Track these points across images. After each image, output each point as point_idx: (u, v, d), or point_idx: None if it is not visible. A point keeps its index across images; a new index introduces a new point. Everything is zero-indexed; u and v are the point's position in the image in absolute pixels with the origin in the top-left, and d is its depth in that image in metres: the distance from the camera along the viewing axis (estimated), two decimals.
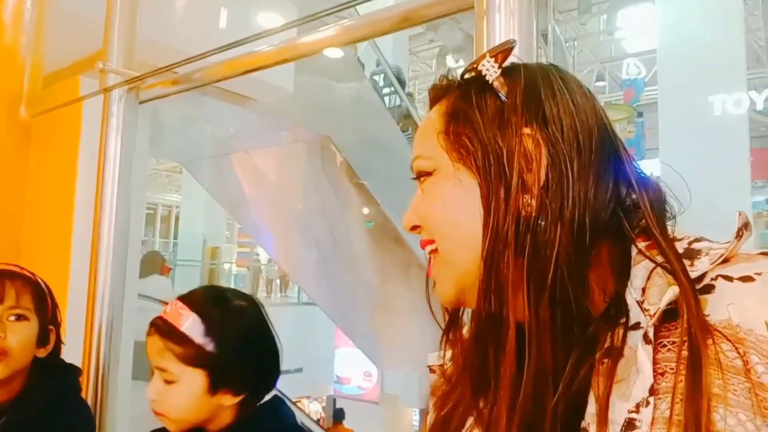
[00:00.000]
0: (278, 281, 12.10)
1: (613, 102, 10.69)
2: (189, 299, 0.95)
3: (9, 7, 1.55)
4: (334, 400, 9.18)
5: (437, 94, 0.61)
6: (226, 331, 0.94)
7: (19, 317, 1.13)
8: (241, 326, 0.97)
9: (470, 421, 0.59)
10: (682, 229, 0.52)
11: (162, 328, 0.93)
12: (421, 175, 0.57)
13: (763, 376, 0.41)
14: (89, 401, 1.34)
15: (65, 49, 1.89)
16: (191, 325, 0.93)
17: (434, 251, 0.56)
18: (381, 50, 5.95)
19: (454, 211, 0.55)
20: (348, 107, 5.11)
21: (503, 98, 0.54)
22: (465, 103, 0.56)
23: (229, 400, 0.93)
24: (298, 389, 8.79)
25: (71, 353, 1.34)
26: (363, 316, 7.00)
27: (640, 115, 9.74)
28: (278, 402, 1.01)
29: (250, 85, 3.47)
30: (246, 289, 11.86)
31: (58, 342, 1.20)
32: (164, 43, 2.01)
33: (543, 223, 0.50)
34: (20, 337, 1.12)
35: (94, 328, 1.33)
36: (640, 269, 0.49)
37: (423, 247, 0.58)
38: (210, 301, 0.97)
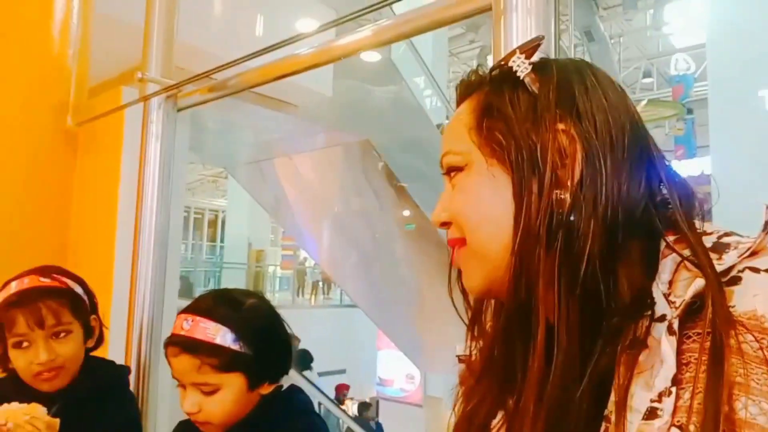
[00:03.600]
0: (321, 284, 12.23)
1: (661, 99, 10.35)
2: (203, 310, 0.98)
3: (57, 20, 1.63)
4: (377, 402, 9.20)
5: (466, 90, 0.61)
6: (251, 330, 0.98)
7: (64, 333, 1.14)
8: (262, 322, 1.02)
9: (498, 415, 0.60)
10: (723, 224, 0.52)
11: (189, 345, 0.95)
12: (452, 170, 0.58)
13: None
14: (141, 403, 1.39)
15: (109, 58, 1.97)
16: (218, 334, 0.96)
17: (461, 243, 0.57)
18: (420, 53, 5.95)
19: (487, 206, 0.55)
20: (387, 110, 5.13)
21: (536, 93, 0.54)
22: (497, 98, 0.56)
23: (267, 389, 0.99)
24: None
25: (116, 350, 1.40)
26: (405, 318, 7.00)
27: (690, 111, 9.41)
28: (296, 389, 1.07)
29: (290, 90, 3.54)
30: (289, 292, 12.04)
31: (101, 327, 1.22)
32: (202, 49, 2.07)
33: (576, 218, 0.50)
34: (69, 349, 1.14)
35: (134, 327, 1.38)
36: (667, 263, 0.50)
37: (451, 245, 0.58)
38: (225, 306, 1.00)
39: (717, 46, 6.91)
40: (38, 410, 1.04)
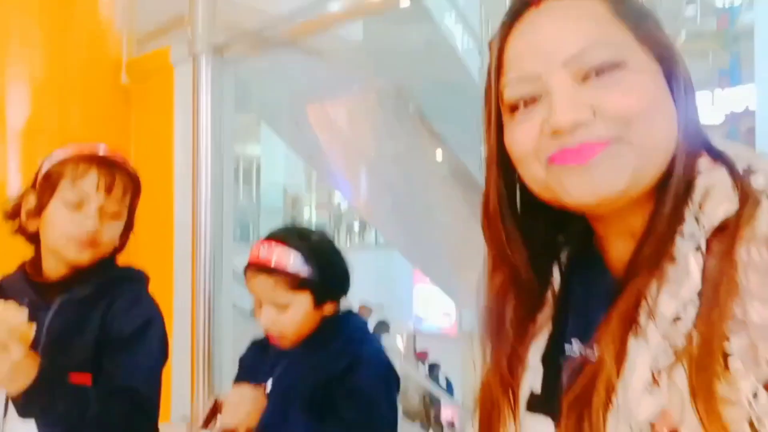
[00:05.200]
0: (356, 226, 12.43)
1: (705, 30, 9.87)
2: (278, 238, 1.17)
3: None
4: (414, 337, 9.50)
5: None
6: (317, 256, 1.17)
7: (116, 215, 1.11)
8: (325, 251, 1.20)
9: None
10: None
11: (266, 268, 1.14)
12: (602, 66, 0.55)
13: None
14: (200, 329, 1.55)
15: (153, 12, 2.05)
16: (292, 258, 1.14)
17: (605, 143, 0.54)
18: None
19: (657, 101, 0.56)
20: (418, 53, 5.08)
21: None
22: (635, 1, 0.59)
23: (330, 309, 1.19)
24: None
25: (181, 292, 1.55)
26: (440, 256, 7.13)
27: (735, 43, 8.98)
28: (352, 312, 1.27)
29: (320, 37, 3.56)
30: None
31: (126, 243, 1.18)
32: (243, 4, 2.13)
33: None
34: (112, 234, 1.11)
35: (197, 266, 1.53)
36: (700, 183, 0.55)
37: (583, 148, 0.54)
38: (295, 236, 1.19)
39: None
40: (10, 312, 0.95)
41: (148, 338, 1.12)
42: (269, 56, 3.51)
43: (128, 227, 1.17)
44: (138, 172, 1.16)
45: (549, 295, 0.67)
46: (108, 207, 1.08)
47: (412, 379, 6.28)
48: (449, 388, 7.45)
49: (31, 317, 0.96)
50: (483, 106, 0.64)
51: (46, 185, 1.08)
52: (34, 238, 1.13)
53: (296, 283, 1.13)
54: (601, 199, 0.55)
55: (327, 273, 1.18)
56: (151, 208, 1.71)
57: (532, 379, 0.64)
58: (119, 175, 1.10)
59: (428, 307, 10.49)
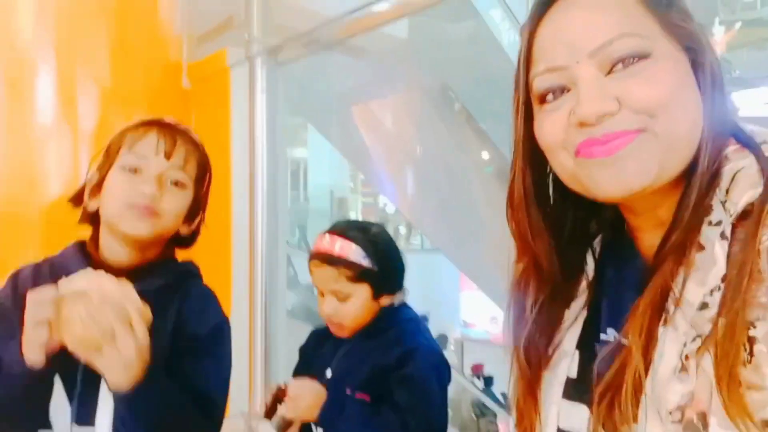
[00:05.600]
0: (402, 229, 12.44)
1: (766, 17, 9.44)
2: (340, 232, 1.21)
3: None
4: (462, 344, 9.43)
5: None
6: (376, 250, 1.24)
7: (181, 186, 1.02)
8: (384, 244, 1.27)
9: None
10: None
11: (330, 259, 1.21)
12: (629, 57, 0.56)
13: None
14: (258, 334, 1.58)
15: (207, 16, 2.10)
16: (353, 251, 1.20)
17: (633, 133, 0.55)
18: None
19: (684, 92, 0.57)
20: (463, 49, 5.04)
21: None
22: None
23: (387, 300, 1.25)
24: None
25: (239, 288, 1.58)
26: (486, 259, 7.05)
27: None
28: (407, 305, 1.34)
29: (365, 36, 3.58)
30: None
31: (201, 224, 1.10)
32: (295, 6, 2.16)
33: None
34: (175, 205, 1.02)
35: (255, 266, 1.56)
36: (726, 171, 0.56)
37: (616, 137, 0.55)
38: (356, 230, 1.25)
39: None
40: (129, 290, 0.81)
41: (223, 343, 1.07)
42: (318, 57, 3.56)
43: (196, 208, 1.07)
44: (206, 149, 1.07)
45: (584, 282, 0.69)
46: (169, 174, 1.00)
47: (465, 391, 6.24)
48: (505, 402, 7.36)
49: None
50: (512, 94, 0.66)
51: (106, 157, 1.02)
52: (94, 219, 1.03)
53: (357, 274, 1.20)
54: (630, 192, 0.57)
55: (385, 265, 1.24)
56: (210, 210, 1.75)
57: (569, 365, 0.66)
58: (181, 140, 1.02)
59: (475, 313, 10.38)
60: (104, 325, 0.76)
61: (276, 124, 1.58)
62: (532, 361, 0.67)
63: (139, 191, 0.97)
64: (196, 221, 1.10)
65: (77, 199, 1.06)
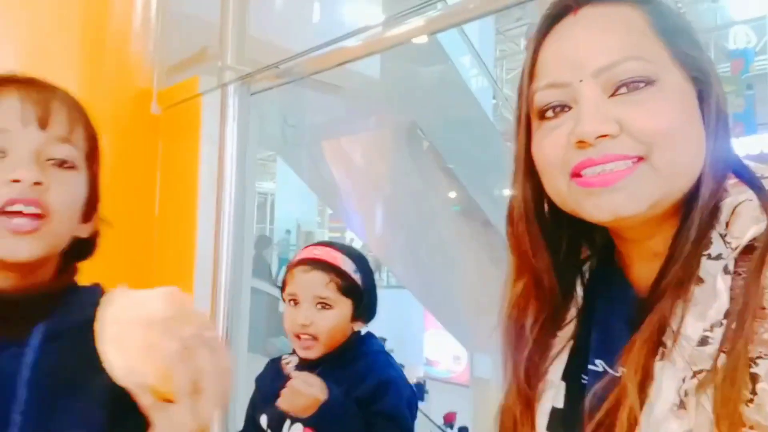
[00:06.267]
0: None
1: (720, 74, 9.92)
2: (331, 245, 1.23)
3: (138, 15, 1.77)
4: (424, 382, 9.33)
5: None
6: (364, 269, 1.23)
7: (66, 164, 0.68)
8: (369, 268, 1.26)
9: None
10: None
11: (322, 264, 1.19)
12: (634, 81, 0.54)
13: None
14: None
15: (180, 46, 2.11)
16: (347, 263, 1.20)
17: (632, 159, 0.53)
18: (467, 32, 5.92)
19: (686, 123, 0.55)
20: (433, 91, 5.16)
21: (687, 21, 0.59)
22: (670, 12, 0.58)
23: (359, 326, 1.22)
24: None
25: (200, 308, 1.53)
26: (451, 298, 7.07)
27: (749, 87, 9.02)
28: (372, 334, 1.30)
29: (338, 73, 3.62)
30: None
31: (97, 229, 0.76)
32: (268, 41, 2.19)
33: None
34: (65, 191, 0.67)
35: (217, 301, 1.52)
36: (726, 205, 0.54)
37: (616, 159, 0.53)
38: (345, 247, 1.26)
39: None
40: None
41: None
42: (291, 91, 3.58)
43: (93, 197, 0.75)
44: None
45: (573, 310, 0.66)
46: (48, 150, 0.67)
47: None
48: None
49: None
50: (514, 108, 0.64)
51: None
52: None
53: (346, 286, 1.18)
54: (619, 219, 0.55)
55: (369, 288, 1.23)
56: (175, 238, 1.70)
57: (554, 396, 0.63)
58: (57, 101, 0.70)
59: (439, 352, 10.33)
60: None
61: (246, 154, 1.57)
62: (533, 382, 0.64)
63: (6, 181, 0.63)
64: (94, 217, 0.76)
65: None
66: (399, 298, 9.50)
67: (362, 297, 1.21)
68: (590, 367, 0.60)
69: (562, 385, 0.63)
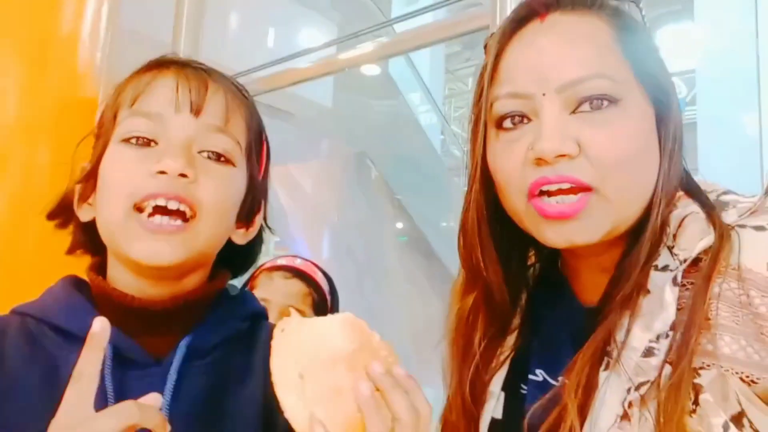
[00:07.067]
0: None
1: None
2: (307, 260, 1.20)
3: (87, 25, 1.75)
4: None
5: (582, 2, 0.57)
6: (334, 293, 1.22)
7: (222, 157, 0.60)
8: (337, 292, 1.24)
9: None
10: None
11: (304, 276, 1.15)
12: (598, 99, 0.53)
13: (761, 308, 0.47)
14: None
15: (130, 62, 2.10)
16: (323, 282, 1.18)
17: (583, 188, 0.53)
18: (418, 70, 6.11)
19: (639, 150, 0.54)
20: (383, 124, 5.26)
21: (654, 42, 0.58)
22: (638, 30, 0.57)
23: None
24: None
25: None
26: (396, 329, 7.07)
27: None
28: None
29: (291, 100, 3.66)
30: None
31: (261, 232, 0.69)
32: (223, 65, 2.20)
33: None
34: (216, 187, 0.58)
35: None
36: (674, 217, 0.54)
37: (568, 181, 0.52)
38: (319, 267, 1.23)
39: (706, 71, 7.10)
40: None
41: None
42: None
43: (253, 198, 0.67)
44: None
45: (517, 318, 0.65)
46: (202, 140, 0.60)
47: None
48: None
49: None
50: (471, 112, 0.61)
51: (99, 129, 0.66)
52: (93, 237, 0.61)
53: (319, 303, 1.16)
54: (574, 245, 0.55)
55: (335, 310, 1.22)
56: None
57: (493, 407, 0.62)
58: (216, 85, 0.63)
59: None
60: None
61: None
62: (478, 398, 0.62)
63: (151, 172, 0.56)
64: (256, 221, 0.67)
65: (59, 211, 0.64)
66: None
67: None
68: (530, 376, 0.60)
69: (502, 395, 0.62)
